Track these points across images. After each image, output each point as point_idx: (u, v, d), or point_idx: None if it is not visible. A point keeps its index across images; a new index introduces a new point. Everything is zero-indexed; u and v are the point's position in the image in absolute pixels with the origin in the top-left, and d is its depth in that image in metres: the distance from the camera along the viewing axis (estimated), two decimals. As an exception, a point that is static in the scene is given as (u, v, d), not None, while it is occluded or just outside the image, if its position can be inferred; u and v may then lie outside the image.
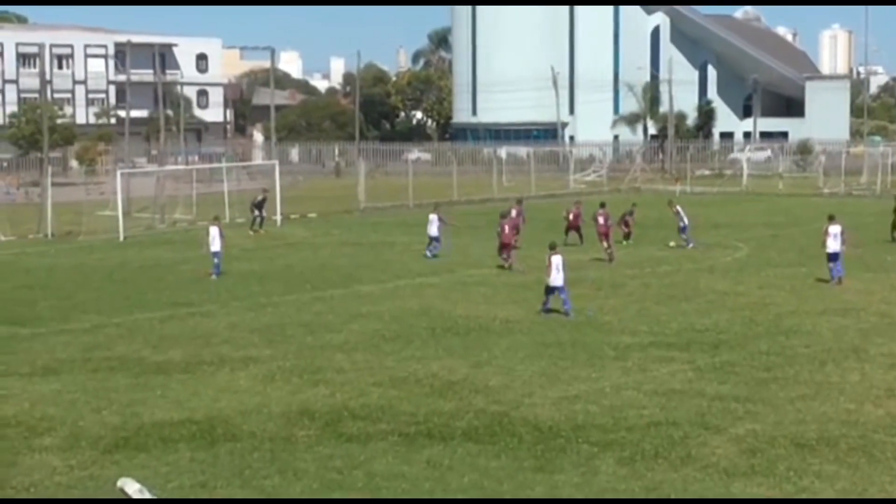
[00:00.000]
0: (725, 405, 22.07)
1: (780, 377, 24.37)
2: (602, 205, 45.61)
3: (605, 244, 43.52)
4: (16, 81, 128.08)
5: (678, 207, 47.69)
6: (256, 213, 56.86)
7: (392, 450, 19.53)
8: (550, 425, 20.78)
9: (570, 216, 48.81)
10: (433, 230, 45.40)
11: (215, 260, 40.63)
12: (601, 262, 42.70)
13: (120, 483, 13.68)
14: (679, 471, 18.34)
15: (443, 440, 20.02)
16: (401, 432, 20.48)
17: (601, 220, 43.83)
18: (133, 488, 13.39)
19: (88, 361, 26.92)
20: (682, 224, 47.37)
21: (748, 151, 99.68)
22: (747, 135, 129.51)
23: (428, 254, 44.83)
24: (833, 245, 36.24)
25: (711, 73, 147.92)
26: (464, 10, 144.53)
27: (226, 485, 17.95)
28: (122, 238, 54.21)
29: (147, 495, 13.42)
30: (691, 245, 46.56)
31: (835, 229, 36.35)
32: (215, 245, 40.66)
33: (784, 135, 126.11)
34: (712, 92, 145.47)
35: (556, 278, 31.46)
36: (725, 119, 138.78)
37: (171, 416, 21.80)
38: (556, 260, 31.47)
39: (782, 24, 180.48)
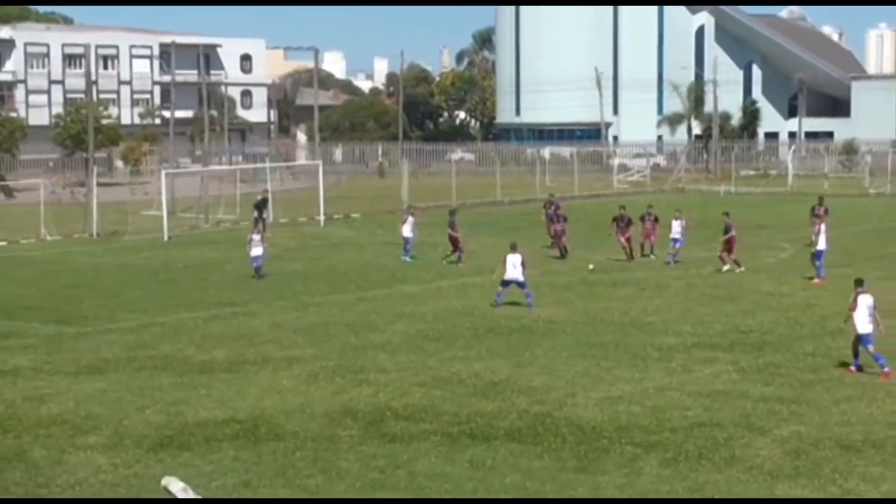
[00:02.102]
0: (770, 406, 21.96)
1: (824, 378, 24.22)
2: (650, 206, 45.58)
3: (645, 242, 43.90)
4: (62, 82, 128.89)
5: (682, 221, 43.68)
6: (256, 214, 56.17)
7: (435, 450, 19.53)
8: (594, 426, 20.73)
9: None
10: (406, 230, 45.29)
11: (254, 264, 40.40)
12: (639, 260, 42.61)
13: (164, 482, 13.73)
14: (723, 472, 18.25)
15: (485, 440, 20.01)
16: (444, 432, 20.48)
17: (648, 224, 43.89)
18: (177, 487, 13.44)
19: (133, 360, 27.06)
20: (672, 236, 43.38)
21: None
22: (792, 135, 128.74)
23: (406, 258, 44.74)
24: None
25: (756, 72, 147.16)
26: (507, 11, 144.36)
27: (269, 484, 18.00)
28: (166, 238, 54.44)
29: (191, 494, 13.47)
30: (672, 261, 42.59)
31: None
32: (255, 250, 40.47)
33: (829, 135, 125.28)
34: (757, 92, 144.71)
35: (512, 273, 33.31)
36: (770, 119, 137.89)
37: (214, 415, 21.87)
38: (512, 258, 33.37)
39: (828, 23, 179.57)
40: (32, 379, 25.34)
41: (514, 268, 33.39)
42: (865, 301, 24.74)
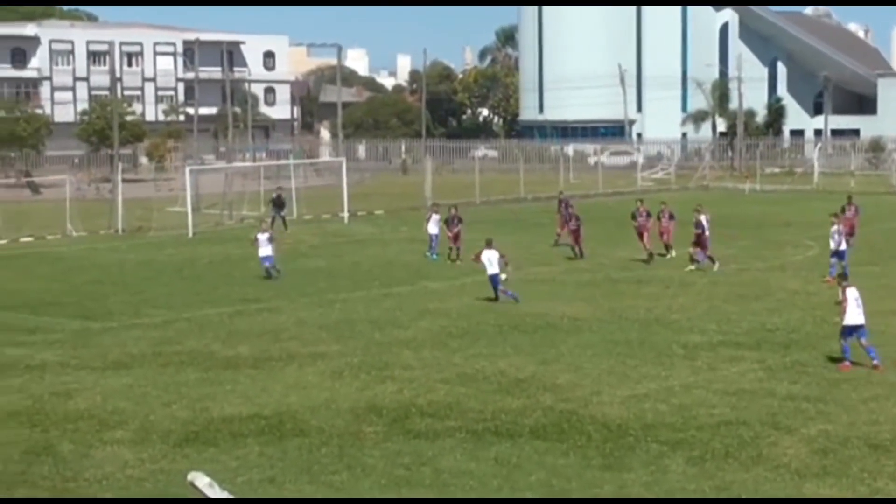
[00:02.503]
0: (797, 405, 21.87)
1: (852, 377, 24.10)
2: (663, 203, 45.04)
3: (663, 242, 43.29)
4: (87, 79, 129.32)
5: (703, 216, 41.60)
6: (273, 212, 56.37)
7: (460, 447, 19.51)
8: (619, 423, 20.68)
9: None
10: (432, 227, 45.12)
11: (266, 264, 39.67)
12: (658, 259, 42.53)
13: (190, 477, 13.73)
14: (750, 471, 18.18)
15: (510, 438, 19.98)
16: (468, 429, 20.46)
17: (664, 220, 43.43)
18: (203, 482, 13.44)
19: (159, 356, 27.13)
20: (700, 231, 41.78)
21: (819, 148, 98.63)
22: (818, 132, 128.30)
23: (432, 255, 44.54)
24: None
25: (781, 70, 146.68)
26: (530, 8, 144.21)
27: (294, 480, 18.01)
28: (191, 234, 54.57)
29: (216, 489, 13.47)
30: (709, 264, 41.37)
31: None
32: (264, 250, 39.74)
33: (856, 132, 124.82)
34: (782, 89, 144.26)
35: (490, 269, 33.89)
36: (796, 116, 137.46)
37: (240, 410, 21.90)
38: (487, 254, 33.99)
39: (854, 20, 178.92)
40: (59, 374, 25.44)
41: (490, 264, 33.89)
42: (853, 294, 24.99)
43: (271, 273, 39.56)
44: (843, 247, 37.47)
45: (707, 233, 40.36)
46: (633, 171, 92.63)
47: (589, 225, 51.57)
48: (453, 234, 43.71)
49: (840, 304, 25.19)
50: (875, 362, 24.64)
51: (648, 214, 43.04)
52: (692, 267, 39.73)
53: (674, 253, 43.15)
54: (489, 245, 34.34)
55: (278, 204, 57.07)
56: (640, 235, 42.83)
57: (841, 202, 46.48)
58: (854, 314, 24.85)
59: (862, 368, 24.75)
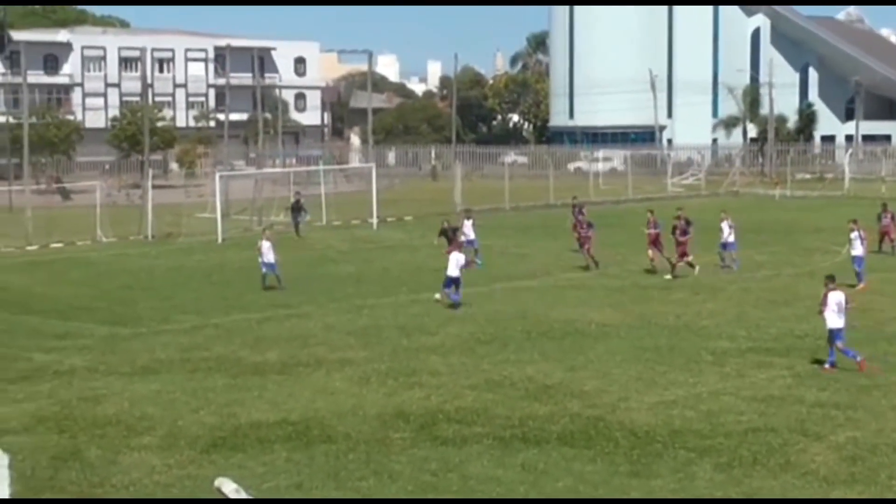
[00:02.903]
0: (826, 412, 21.77)
1: (881, 384, 23.98)
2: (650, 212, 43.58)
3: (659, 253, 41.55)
4: (118, 85, 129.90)
5: (727, 221, 42.68)
6: (296, 218, 56.58)
7: (487, 453, 19.49)
8: (647, 430, 20.63)
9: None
10: (469, 232, 44.61)
11: (263, 270, 39.02)
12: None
13: (217, 483, 13.77)
14: (778, 478, 18.11)
15: (538, 444, 19.95)
16: (496, 436, 20.43)
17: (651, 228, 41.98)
18: (230, 488, 13.48)
19: (187, 362, 27.20)
20: (726, 240, 42.69)
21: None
22: (849, 138, 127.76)
23: (478, 262, 43.89)
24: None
25: (813, 75, 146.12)
26: (561, 14, 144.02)
27: (321, 486, 18.02)
28: (220, 240, 54.70)
29: (243, 495, 13.49)
30: (736, 266, 41.99)
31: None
32: (269, 257, 39.06)
33: (887, 138, 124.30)
34: (813, 94, 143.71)
35: (453, 270, 34.19)
36: (827, 122, 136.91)
37: (267, 416, 21.93)
38: (454, 257, 34.48)
39: (886, 25, 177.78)
40: (88, 379, 25.53)
41: (456, 265, 34.39)
42: (835, 297, 25.38)
43: (270, 280, 38.89)
44: (861, 252, 37.26)
45: (688, 238, 40.05)
46: (664, 176, 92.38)
47: (617, 231, 51.63)
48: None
49: (821, 306, 25.69)
50: (858, 360, 25.08)
51: (688, 222, 42.41)
52: (669, 277, 39.38)
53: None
54: (459, 248, 35.33)
55: (297, 209, 57.16)
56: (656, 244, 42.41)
57: (873, 209, 46.25)
58: (833, 318, 25.30)
59: (892, 375, 24.64)
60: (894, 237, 45.06)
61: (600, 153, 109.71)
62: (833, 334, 25.36)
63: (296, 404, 22.89)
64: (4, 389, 24.73)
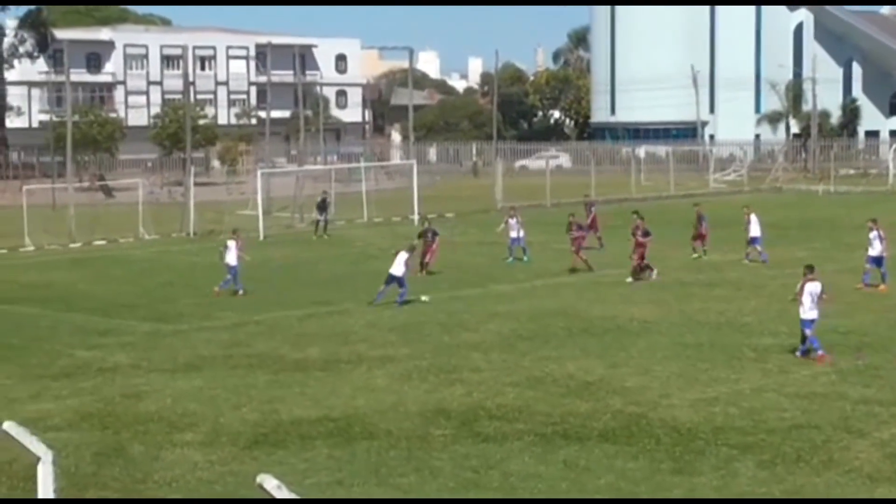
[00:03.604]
0: (869, 409, 21.63)
1: (926, 381, 23.83)
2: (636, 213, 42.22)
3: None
4: (160, 83, 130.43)
5: (752, 216, 43.26)
6: (318, 216, 56.51)
7: (528, 450, 19.47)
8: (689, 427, 20.56)
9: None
10: (515, 231, 44.07)
11: (227, 275, 37.51)
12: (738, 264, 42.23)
13: (259, 479, 13.79)
14: (821, 475, 18.01)
15: (579, 441, 19.91)
16: (537, 432, 20.41)
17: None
18: (271, 484, 13.48)
19: (229, 358, 27.30)
20: (753, 235, 43.12)
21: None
22: (893, 133, 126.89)
23: (525, 258, 43.81)
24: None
25: (856, 70, 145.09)
26: (602, 10, 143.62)
27: (362, 482, 18.04)
28: (262, 237, 54.87)
29: (285, 492, 13.51)
30: (763, 259, 42.42)
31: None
32: (230, 258, 37.46)
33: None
34: (857, 90, 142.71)
35: (395, 269, 34.21)
36: (871, 117, 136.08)
37: (309, 413, 21.98)
38: (401, 256, 34.47)
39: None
40: (131, 376, 25.67)
41: (397, 263, 34.37)
42: (811, 288, 25.95)
43: (229, 284, 37.41)
44: (883, 252, 36.78)
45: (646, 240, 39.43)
46: (706, 172, 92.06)
47: (659, 227, 51.33)
48: (427, 248, 41.18)
49: (798, 295, 26.26)
50: (819, 353, 25.75)
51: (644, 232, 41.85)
52: (630, 280, 38.59)
53: (705, 256, 43.95)
54: (410, 250, 35.38)
55: (322, 207, 57.04)
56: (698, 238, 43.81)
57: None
58: (807, 309, 25.83)
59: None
60: None
61: (551, 150, 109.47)
62: (804, 324, 25.92)
63: (337, 401, 22.93)
64: (48, 386, 24.89)
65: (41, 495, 12.06)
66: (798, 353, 26.05)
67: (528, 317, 32.03)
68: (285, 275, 42.59)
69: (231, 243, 38.00)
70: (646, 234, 39.78)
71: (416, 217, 61.45)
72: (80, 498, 17.73)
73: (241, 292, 37.19)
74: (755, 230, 43.16)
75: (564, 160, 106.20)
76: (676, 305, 33.56)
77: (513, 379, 24.56)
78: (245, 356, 27.53)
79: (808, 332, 25.84)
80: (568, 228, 42.29)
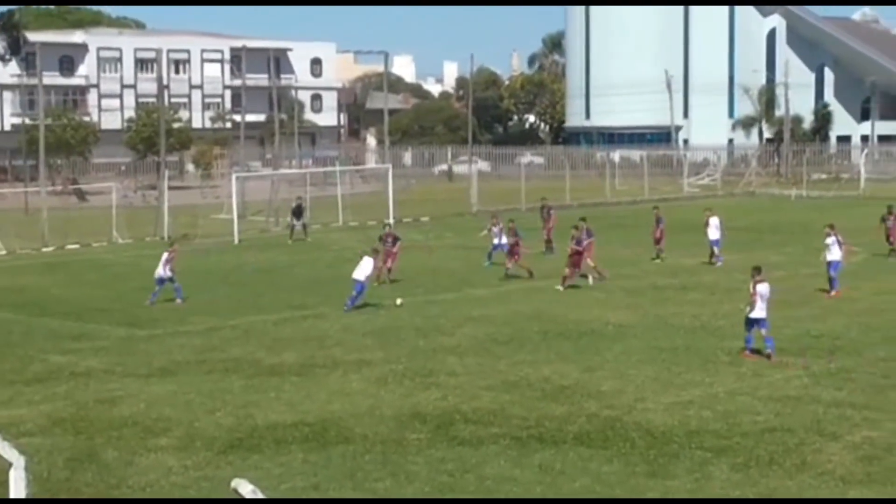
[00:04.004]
0: (842, 412, 21.74)
1: (898, 384, 23.94)
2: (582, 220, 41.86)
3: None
4: (134, 86, 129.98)
5: (713, 218, 44.16)
6: (294, 222, 56.22)
7: (504, 453, 19.50)
8: (663, 430, 20.62)
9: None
10: (163, 270, 37.56)
11: (157, 287, 36.66)
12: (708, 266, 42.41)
13: (234, 484, 13.77)
14: (794, 478, 18.09)
15: (555, 444, 19.95)
16: (513, 436, 20.44)
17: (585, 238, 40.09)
18: (246, 489, 13.47)
19: (204, 363, 27.25)
20: (712, 238, 43.79)
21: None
22: (865, 138, 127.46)
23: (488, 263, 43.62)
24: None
25: (828, 75, 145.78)
26: (578, 14, 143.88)
27: (338, 487, 18.04)
28: (236, 241, 54.81)
29: (260, 496, 13.50)
30: (720, 262, 42.98)
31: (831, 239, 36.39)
32: (163, 270, 36.70)
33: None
34: (829, 95, 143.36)
35: (356, 272, 34.47)
36: (843, 122, 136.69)
37: (284, 417, 21.96)
38: (367, 260, 34.79)
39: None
40: (104, 381, 25.59)
41: (360, 268, 34.60)
42: (762, 289, 26.74)
43: (165, 293, 36.74)
44: (837, 257, 36.62)
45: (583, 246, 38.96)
46: (680, 177, 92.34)
47: (634, 231, 51.67)
48: (387, 253, 40.27)
49: (751, 296, 26.78)
50: (769, 352, 26.34)
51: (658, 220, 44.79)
52: (560, 287, 37.73)
53: (660, 259, 44.63)
54: (374, 253, 35.72)
55: (298, 213, 56.75)
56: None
57: (892, 207, 45.98)
58: (758, 308, 26.51)
59: (909, 375, 24.61)
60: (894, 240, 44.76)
61: (468, 155, 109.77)
62: (753, 323, 26.69)
63: (312, 405, 22.92)
64: (21, 391, 24.81)
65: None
66: (747, 353, 26.67)
67: (503, 321, 32.07)
68: (260, 279, 42.53)
69: (165, 255, 37.13)
70: (589, 234, 40.14)
71: (391, 221, 61.42)
72: (54, 499, 17.66)
73: (149, 302, 36.23)
74: (714, 233, 43.86)
75: (483, 165, 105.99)
76: (651, 309, 33.65)
77: (488, 383, 24.59)
78: (220, 361, 27.48)
79: (764, 331, 26.57)
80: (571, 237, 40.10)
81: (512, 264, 40.65)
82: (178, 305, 36.20)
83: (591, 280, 38.79)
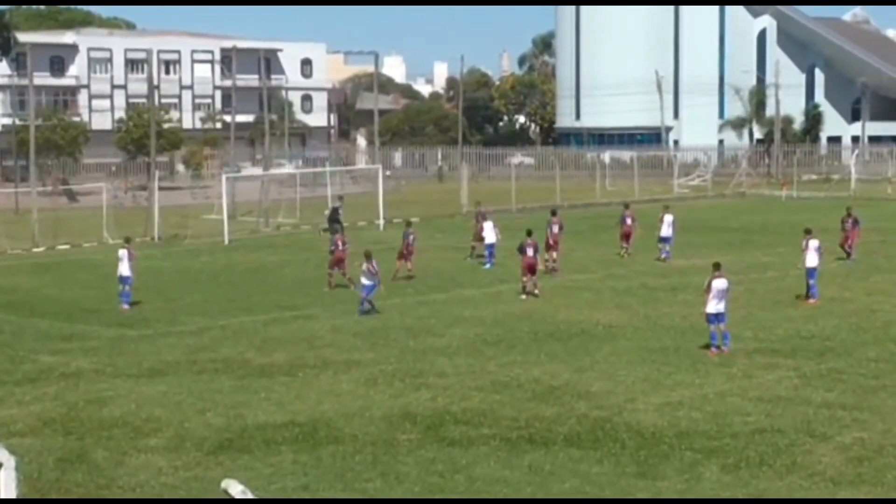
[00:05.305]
0: (832, 413, 21.77)
1: (888, 385, 23.98)
2: (553, 213, 44.98)
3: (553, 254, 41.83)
4: (124, 87, 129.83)
5: (668, 216, 45.62)
6: (329, 226, 56.01)
7: (494, 454, 19.50)
8: (653, 431, 20.63)
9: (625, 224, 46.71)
10: (490, 236, 43.91)
11: (124, 287, 36.20)
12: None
13: (224, 484, 13.76)
14: (784, 479, 18.11)
15: (544, 445, 19.96)
16: (503, 437, 20.45)
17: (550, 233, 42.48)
18: (236, 490, 13.47)
19: (194, 363, 27.22)
20: (664, 234, 45.42)
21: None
22: (855, 139, 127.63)
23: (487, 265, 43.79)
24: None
25: (819, 76, 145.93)
26: (568, 15, 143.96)
27: (328, 487, 18.03)
28: (227, 241, 54.74)
29: (250, 497, 13.49)
30: (665, 256, 44.79)
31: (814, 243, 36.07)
32: (124, 268, 36.16)
33: (894, 139, 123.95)
34: (820, 95, 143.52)
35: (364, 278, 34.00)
36: (833, 123, 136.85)
37: (274, 418, 21.95)
38: (367, 265, 33.96)
39: (893, 26, 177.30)
40: (94, 381, 25.56)
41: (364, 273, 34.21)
42: (718, 284, 27.38)
43: (129, 297, 36.19)
44: (815, 263, 36.31)
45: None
46: (670, 177, 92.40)
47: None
48: (408, 249, 41.22)
49: (705, 292, 27.59)
50: (725, 348, 27.11)
51: (633, 219, 46.02)
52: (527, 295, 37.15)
53: (626, 256, 45.63)
54: (368, 259, 34.37)
55: (334, 219, 55.96)
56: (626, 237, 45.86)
57: (878, 209, 46.11)
58: (712, 304, 27.21)
59: (899, 376, 24.65)
60: (853, 243, 44.67)
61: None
62: (712, 318, 27.38)
63: (303, 406, 22.91)
64: (11, 391, 24.77)
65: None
66: (713, 350, 27.13)
67: (493, 321, 32.07)
68: (251, 279, 42.49)
69: (123, 252, 36.76)
70: (560, 227, 42.06)
71: (381, 222, 61.45)
72: (44, 499, 17.64)
73: (126, 307, 35.74)
74: (666, 230, 45.19)
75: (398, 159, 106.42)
76: (641, 310, 33.67)
77: (478, 383, 24.59)
78: (210, 361, 27.45)
79: (723, 326, 27.34)
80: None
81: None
82: (124, 310, 35.49)
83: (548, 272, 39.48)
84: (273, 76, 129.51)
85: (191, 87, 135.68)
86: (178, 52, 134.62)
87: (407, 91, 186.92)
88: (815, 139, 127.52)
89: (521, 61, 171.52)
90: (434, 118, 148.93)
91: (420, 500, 17.53)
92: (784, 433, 20.43)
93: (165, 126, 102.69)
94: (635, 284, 38.95)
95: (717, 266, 27.90)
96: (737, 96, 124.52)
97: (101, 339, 30.82)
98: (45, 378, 25.98)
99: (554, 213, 44.47)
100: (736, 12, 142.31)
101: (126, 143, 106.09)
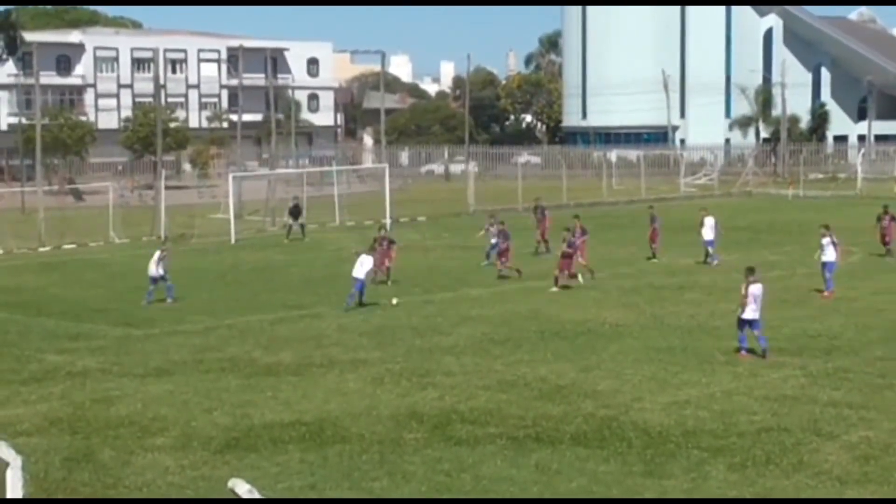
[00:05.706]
0: (839, 411, 21.74)
1: (895, 383, 23.94)
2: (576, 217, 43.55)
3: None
4: (131, 86, 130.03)
5: (708, 218, 43.85)
6: (291, 221, 56.06)
7: (500, 453, 19.49)
8: (660, 430, 20.61)
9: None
10: (155, 269, 37.21)
11: (151, 286, 36.63)
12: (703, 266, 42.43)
13: (231, 483, 13.77)
14: (791, 477, 18.09)
15: (551, 444, 19.94)
16: (509, 436, 20.43)
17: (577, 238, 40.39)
18: (243, 489, 13.47)
19: (200, 363, 27.22)
20: (707, 238, 43.74)
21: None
22: (862, 138, 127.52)
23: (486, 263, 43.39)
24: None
25: (825, 75, 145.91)
26: (574, 14, 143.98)
27: (335, 486, 18.02)
28: (233, 241, 54.78)
29: (257, 496, 13.49)
30: (716, 262, 43.09)
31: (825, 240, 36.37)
32: (155, 269, 36.65)
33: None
34: (826, 94, 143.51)
35: (356, 271, 34.26)
36: (840, 122, 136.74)
37: (281, 417, 21.95)
38: (363, 258, 34.53)
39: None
40: (101, 381, 25.57)
41: (360, 266, 34.40)
42: (755, 290, 26.72)
43: (158, 294, 36.65)
44: (837, 260, 36.54)
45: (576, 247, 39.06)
46: (677, 176, 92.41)
47: (632, 231, 51.67)
48: (382, 254, 39.43)
49: (742, 298, 26.86)
50: (763, 352, 26.50)
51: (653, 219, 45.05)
52: (555, 289, 37.46)
53: (656, 259, 44.40)
54: (371, 251, 35.66)
55: (295, 212, 56.48)
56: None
57: (887, 207, 45.97)
58: (750, 310, 26.63)
59: (905, 375, 24.61)
60: (890, 240, 44.64)
61: (464, 155, 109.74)
62: (747, 323, 26.71)
63: (309, 405, 22.91)
64: (17, 391, 24.79)
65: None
66: (743, 353, 26.73)
67: (500, 320, 32.06)
68: (257, 278, 42.52)
69: (157, 253, 37.20)
70: (583, 231, 40.96)
71: (388, 221, 61.45)
72: (50, 499, 17.65)
73: (146, 303, 36.28)
74: (708, 233, 43.74)
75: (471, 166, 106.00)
76: (648, 309, 33.65)
77: (485, 382, 24.58)
78: (217, 360, 27.46)
79: (757, 332, 26.68)
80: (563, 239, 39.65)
81: (501, 265, 40.70)
82: (169, 305, 36.13)
83: (580, 279, 38.71)
84: (279, 75, 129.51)
85: (197, 87, 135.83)
86: (185, 51, 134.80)
87: (413, 90, 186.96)
88: (822, 138, 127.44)
89: (528, 60, 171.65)
90: (440, 117, 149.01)
91: (427, 499, 17.53)
92: (790, 432, 20.41)
93: (172, 125, 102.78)
94: (642, 283, 38.92)
95: (752, 270, 27.15)
96: (743, 95, 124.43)
97: (107, 338, 30.84)
98: (51, 377, 26.00)
99: (577, 217, 43.23)
100: (742, 12, 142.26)
101: (132, 143, 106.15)
